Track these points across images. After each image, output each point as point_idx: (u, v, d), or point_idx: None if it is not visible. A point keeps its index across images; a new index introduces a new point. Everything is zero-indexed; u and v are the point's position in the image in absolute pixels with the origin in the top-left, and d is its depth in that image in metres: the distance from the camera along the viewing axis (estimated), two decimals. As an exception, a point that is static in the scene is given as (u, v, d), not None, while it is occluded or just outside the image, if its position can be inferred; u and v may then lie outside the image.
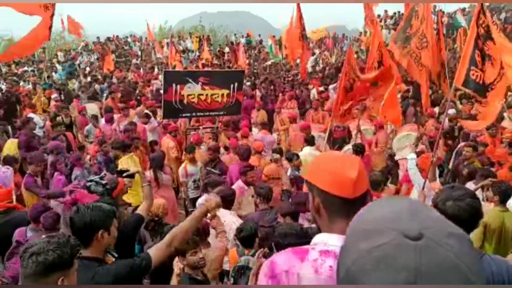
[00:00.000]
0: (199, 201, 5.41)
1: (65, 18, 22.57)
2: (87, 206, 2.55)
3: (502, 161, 6.38)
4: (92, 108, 11.18)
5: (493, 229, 4.23)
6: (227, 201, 4.79)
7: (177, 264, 3.61)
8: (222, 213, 4.76)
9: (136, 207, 5.50)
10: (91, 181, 5.38)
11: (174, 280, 3.59)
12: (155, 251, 2.62)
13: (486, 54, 5.10)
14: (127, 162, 6.56)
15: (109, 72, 17.50)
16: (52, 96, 12.74)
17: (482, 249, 4.30)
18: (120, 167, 6.46)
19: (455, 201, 2.19)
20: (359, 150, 6.76)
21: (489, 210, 4.41)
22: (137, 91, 13.71)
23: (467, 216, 2.15)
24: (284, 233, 3.20)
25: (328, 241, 1.26)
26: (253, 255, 3.68)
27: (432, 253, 0.66)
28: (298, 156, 6.56)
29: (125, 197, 5.67)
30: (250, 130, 9.22)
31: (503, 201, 4.32)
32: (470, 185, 5.30)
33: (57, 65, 20.01)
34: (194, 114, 8.34)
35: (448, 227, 0.71)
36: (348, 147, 7.78)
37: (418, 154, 6.59)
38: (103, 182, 5.30)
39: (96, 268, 2.43)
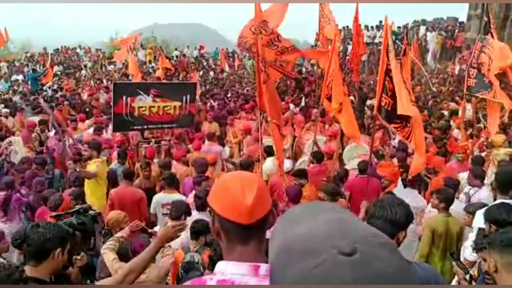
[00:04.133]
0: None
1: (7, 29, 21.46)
2: (48, 224, 2.51)
3: (437, 169, 6.54)
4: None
5: (440, 234, 4.40)
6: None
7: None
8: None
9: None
10: None
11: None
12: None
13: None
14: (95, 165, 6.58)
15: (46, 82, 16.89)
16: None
17: (430, 255, 4.48)
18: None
19: (391, 207, 2.31)
20: (317, 158, 6.82)
21: (435, 216, 4.61)
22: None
23: (405, 219, 2.30)
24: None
25: (226, 269, 1.22)
26: (197, 251, 3.74)
27: (367, 267, 0.66)
28: (253, 163, 6.50)
29: (89, 201, 5.50)
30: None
31: (447, 208, 4.52)
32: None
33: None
34: (145, 126, 8.16)
35: (377, 238, 0.72)
36: (303, 159, 7.84)
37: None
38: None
39: None
